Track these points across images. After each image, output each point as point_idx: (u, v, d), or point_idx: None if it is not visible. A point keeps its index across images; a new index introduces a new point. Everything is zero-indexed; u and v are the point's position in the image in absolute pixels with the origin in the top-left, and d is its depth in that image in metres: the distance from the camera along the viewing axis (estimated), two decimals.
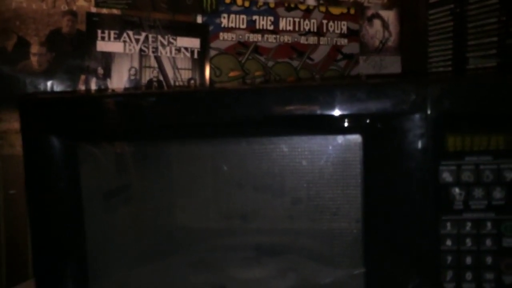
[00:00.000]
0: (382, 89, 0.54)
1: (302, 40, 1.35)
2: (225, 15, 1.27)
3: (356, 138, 0.56)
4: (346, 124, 0.56)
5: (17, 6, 1.08)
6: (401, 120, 0.54)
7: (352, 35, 1.40)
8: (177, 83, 1.23)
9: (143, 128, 0.61)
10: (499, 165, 0.52)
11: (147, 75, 1.20)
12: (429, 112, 0.53)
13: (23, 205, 1.04)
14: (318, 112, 0.55)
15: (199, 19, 1.25)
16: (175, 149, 0.64)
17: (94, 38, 1.15)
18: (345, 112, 0.55)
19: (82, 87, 1.14)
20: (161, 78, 1.21)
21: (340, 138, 0.57)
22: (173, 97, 0.59)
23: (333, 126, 0.56)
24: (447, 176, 0.53)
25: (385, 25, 1.42)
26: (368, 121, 0.55)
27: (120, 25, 1.17)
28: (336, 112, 0.55)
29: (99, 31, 1.15)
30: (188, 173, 0.66)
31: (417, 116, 0.53)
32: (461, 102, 0.53)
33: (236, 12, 1.28)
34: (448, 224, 0.54)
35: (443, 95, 0.53)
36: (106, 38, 1.16)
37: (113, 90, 1.17)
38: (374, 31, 1.41)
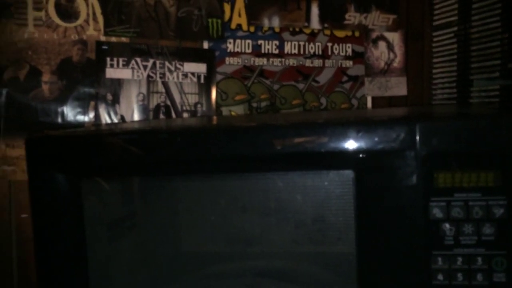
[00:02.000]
0: (372, 127, 0.55)
1: (307, 63, 1.37)
2: (231, 40, 1.30)
3: (348, 173, 0.58)
4: (338, 160, 0.57)
5: (29, 36, 1.12)
6: (391, 157, 0.55)
7: (357, 57, 1.41)
8: (184, 108, 1.26)
9: (147, 164, 0.63)
10: (488, 201, 0.53)
11: (155, 100, 1.23)
12: (418, 149, 0.54)
13: None
14: (311, 149, 0.57)
15: (206, 45, 1.28)
16: (179, 182, 0.67)
17: (104, 66, 1.18)
18: (337, 149, 0.56)
19: (92, 113, 1.18)
20: (168, 103, 1.24)
21: (333, 174, 0.59)
22: (175, 135, 0.61)
23: (326, 162, 0.58)
24: (437, 212, 0.54)
25: (390, 46, 1.43)
26: (359, 157, 0.56)
27: (129, 53, 1.21)
28: (329, 149, 0.56)
29: (108, 59, 1.19)
30: (191, 203, 0.68)
31: (407, 153, 0.54)
32: (450, 140, 0.54)
33: (241, 37, 1.31)
34: (439, 259, 0.54)
35: (432, 133, 0.54)
36: (115, 65, 1.20)
37: (122, 117, 1.20)
38: (379, 53, 1.43)
